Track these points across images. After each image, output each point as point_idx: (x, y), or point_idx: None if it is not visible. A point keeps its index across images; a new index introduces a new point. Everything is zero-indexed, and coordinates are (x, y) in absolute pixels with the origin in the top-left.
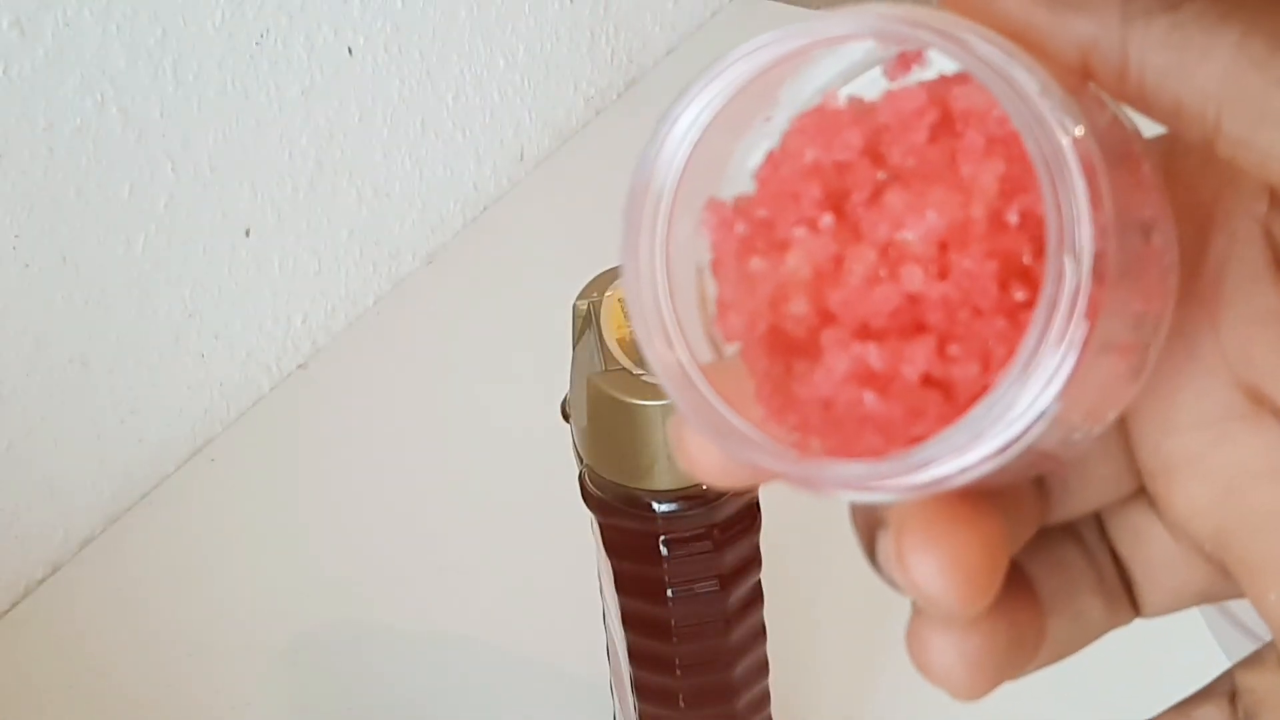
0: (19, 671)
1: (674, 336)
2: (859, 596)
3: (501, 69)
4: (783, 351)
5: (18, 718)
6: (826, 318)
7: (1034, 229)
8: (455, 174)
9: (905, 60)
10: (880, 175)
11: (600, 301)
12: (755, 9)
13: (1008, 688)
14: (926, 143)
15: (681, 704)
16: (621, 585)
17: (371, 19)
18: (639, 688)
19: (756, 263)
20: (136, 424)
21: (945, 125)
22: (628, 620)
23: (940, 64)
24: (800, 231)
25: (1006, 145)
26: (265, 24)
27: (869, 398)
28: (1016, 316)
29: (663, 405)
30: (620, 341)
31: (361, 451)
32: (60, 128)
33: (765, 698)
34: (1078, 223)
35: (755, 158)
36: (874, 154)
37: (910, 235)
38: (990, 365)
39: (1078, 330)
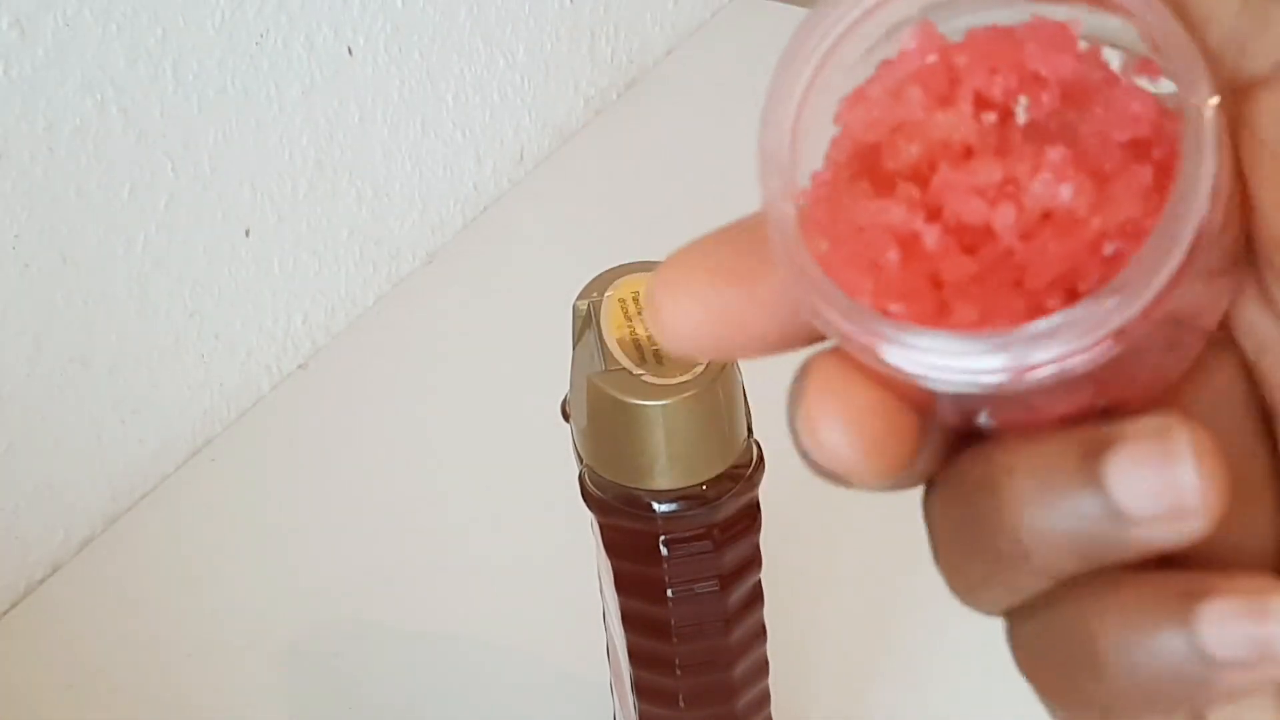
0: (19, 672)
1: (788, 172)
2: (859, 596)
3: (501, 69)
4: (865, 164)
5: (17, 718)
6: (917, 175)
7: (1110, 274)
8: (455, 174)
9: (1148, 66)
10: (1073, 113)
11: (600, 301)
12: (755, 9)
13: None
14: (1116, 144)
15: (681, 704)
16: (621, 585)
17: (371, 19)
18: (639, 688)
19: (916, 92)
20: (137, 424)
21: (1142, 146)
22: (628, 620)
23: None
24: (967, 107)
25: (1162, 203)
26: (265, 24)
27: (892, 256)
28: (1035, 315)
29: (663, 405)
30: (620, 341)
31: (361, 451)
32: (60, 128)
33: (765, 698)
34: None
35: (977, 18)
36: (1069, 95)
37: (1037, 188)
38: (985, 324)
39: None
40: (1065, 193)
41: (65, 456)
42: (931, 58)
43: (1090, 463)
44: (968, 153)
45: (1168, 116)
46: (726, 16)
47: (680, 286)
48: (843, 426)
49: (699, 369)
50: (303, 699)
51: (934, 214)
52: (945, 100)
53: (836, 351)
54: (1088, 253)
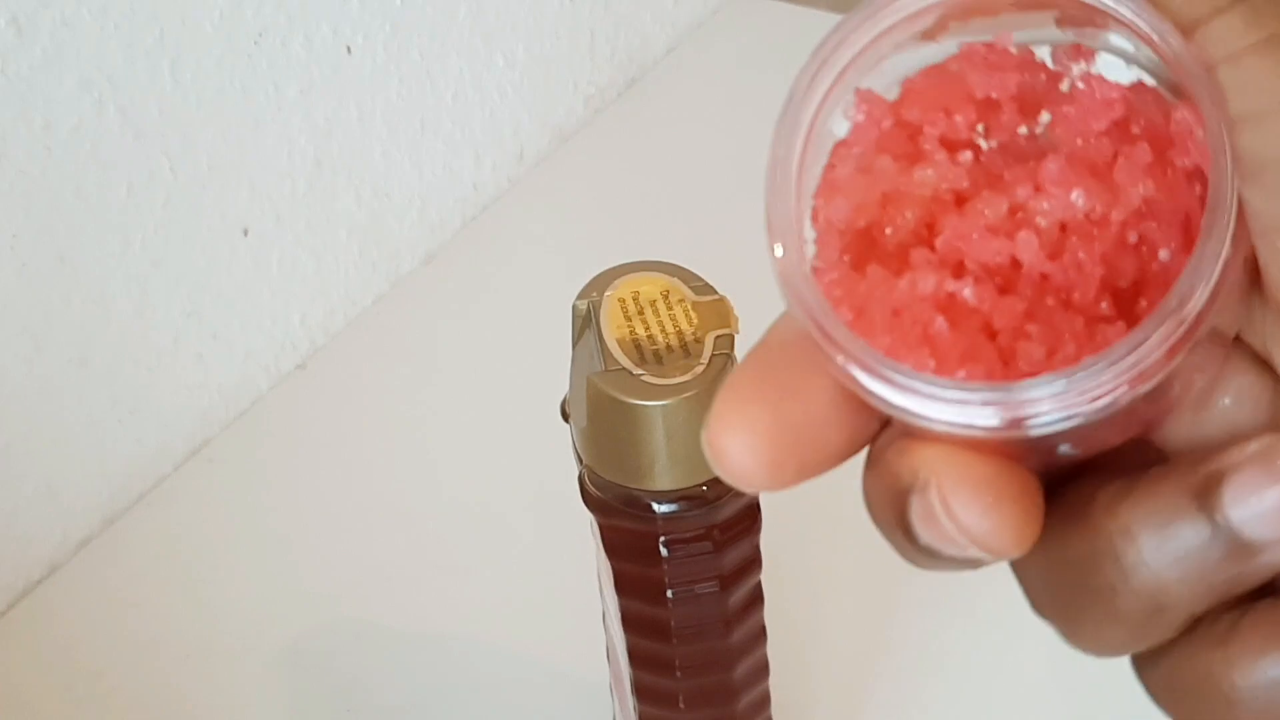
0: (16, 672)
1: (797, 229)
2: (859, 597)
3: (501, 68)
4: (864, 250)
5: (16, 718)
6: (922, 239)
7: (1143, 260)
8: (454, 173)
9: (1079, 52)
10: (1022, 130)
11: (600, 301)
12: (755, 9)
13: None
14: (1100, 133)
15: (681, 705)
16: (621, 586)
17: (370, 18)
18: (639, 689)
19: (885, 161)
20: (135, 424)
21: (1122, 127)
22: (628, 621)
23: (1111, 68)
24: (941, 155)
25: (1163, 172)
26: (264, 23)
27: (940, 323)
28: (1095, 326)
29: (663, 405)
30: (620, 341)
31: (360, 452)
32: (58, 127)
33: (765, 699)
34: (1212, 262)
35: (905, 68)
36: (1027, 107)
37: (1046, 205)
38: (1054, 355)
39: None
40: (1077, 199)
41: (63, 457)
42: (886, 122)
43: (1207, 503)
44: (960, 200)
45: (1133, 91)
46: (727, 15)
47: (736, 420)
48: (990, 511)
49: (699, 369)
50: (302, 699)
51: (958, 269)
52: (916, 158)
53: (946, 441)
54: (1119, 248)
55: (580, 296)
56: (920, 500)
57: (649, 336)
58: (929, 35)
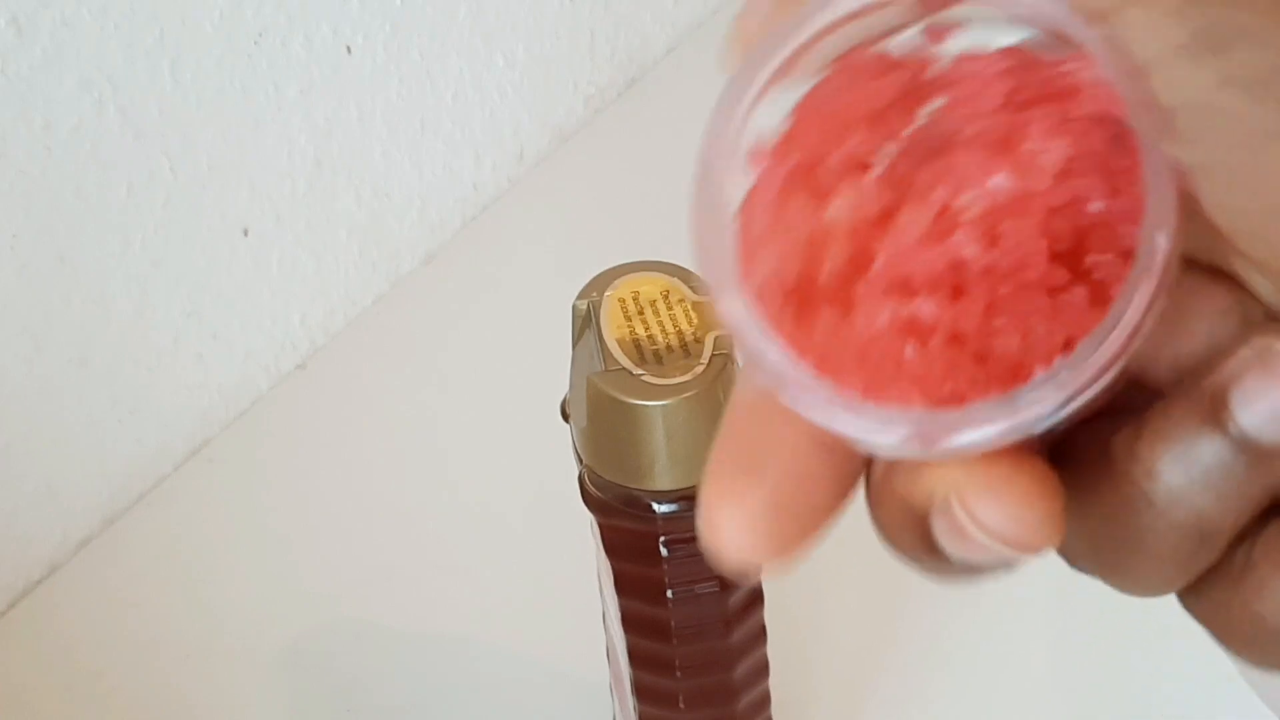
0: (16, 672)
1: (732, 269)
2: (859, 597)
3: (501, 68)
4: (807, 298)
5: (15, 718)
6: (861, 268)
7: (1077, 216)
8: (454, 173)
9: (939, 32)
10: (921, 113)
11: (600, 301)
12: None
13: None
14: (994, 110)
15: (681, 705)
16: (621, 586)
17: (370, 18)
18: (639, 689)
19: (798, 202)
20: (135, 424)
21: (1014, 96)
22: (628, 621)
23: (985, 36)
24: (848, 181)
25: (1069, 128)
26: (264, 23)
27: (910, 350)
28: (1057, 298)
29: (663, 405)
30: (620, 341)
31: (360, 452)
32: (58, 127)
33: (765, 699)
34: (1164, 208)
35: (790, 98)
36: (908, 104)
37: (969, 199)
38: (1029, 341)
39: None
40: (1000, 182)
41: (63, 457)
42: (782, 168)
43: (1219, 418)
44: (884, 217)
45: (1011, 55)
46: (727, 15)
47: (726, 502)
48: (1018, 512)
49: (699, 369)
50: (302, 699)
51: (906, 289)
52: (828, 191)
53: (962, 459)
54: (1051, 215)
55: (580, 296)
56: (944, 519)
57: (649, 336)
58: (786, 72)
